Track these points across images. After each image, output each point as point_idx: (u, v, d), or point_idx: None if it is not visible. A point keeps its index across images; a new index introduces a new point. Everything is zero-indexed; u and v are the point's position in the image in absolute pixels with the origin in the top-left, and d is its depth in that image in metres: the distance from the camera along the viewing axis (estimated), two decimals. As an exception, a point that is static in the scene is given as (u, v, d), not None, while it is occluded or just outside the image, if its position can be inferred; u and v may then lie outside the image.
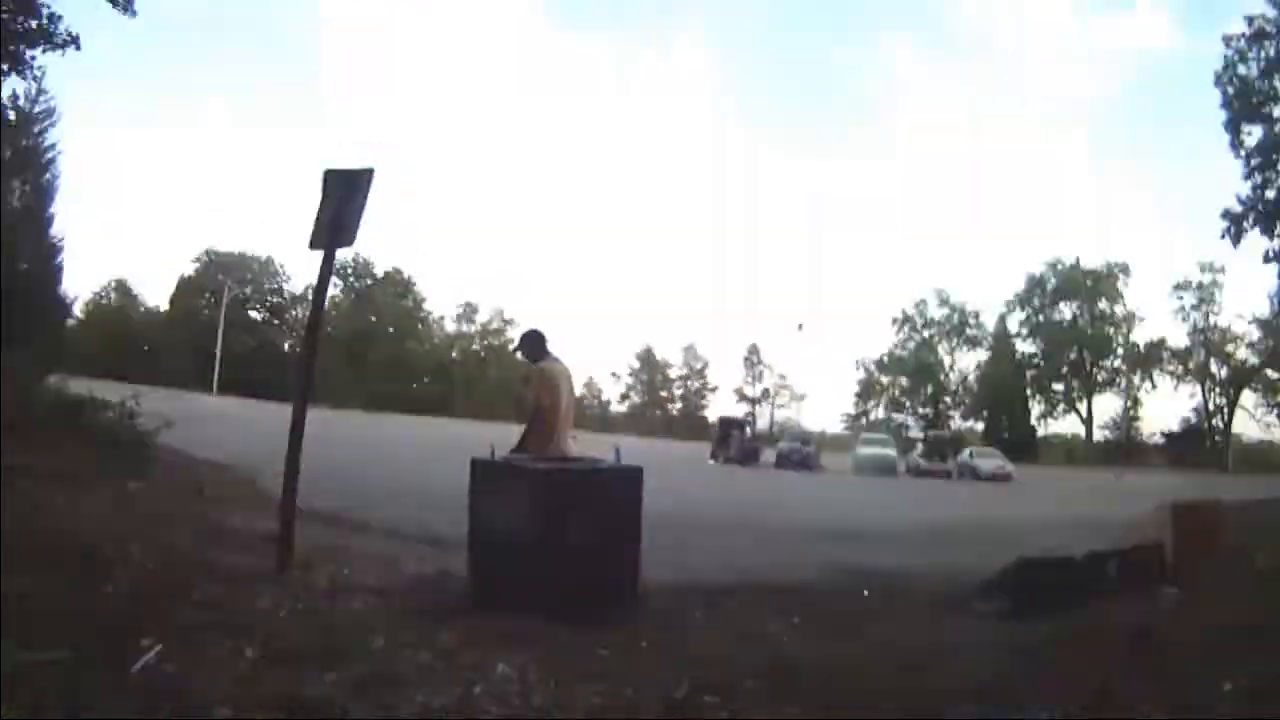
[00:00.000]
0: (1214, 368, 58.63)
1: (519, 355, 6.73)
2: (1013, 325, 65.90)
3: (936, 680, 4.22)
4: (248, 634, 3.77)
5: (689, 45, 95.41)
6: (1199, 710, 3.63)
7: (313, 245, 5.30)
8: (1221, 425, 58.25)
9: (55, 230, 32.75)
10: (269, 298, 74.81)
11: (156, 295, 77.60)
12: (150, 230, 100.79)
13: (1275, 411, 54.17)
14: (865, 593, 6.69)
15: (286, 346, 70.06)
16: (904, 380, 70.03)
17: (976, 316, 68.97)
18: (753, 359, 78.94)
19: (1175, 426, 59.73)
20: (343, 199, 5.24)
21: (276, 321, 73.80)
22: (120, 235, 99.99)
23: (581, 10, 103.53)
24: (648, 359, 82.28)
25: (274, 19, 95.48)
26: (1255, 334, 55.27)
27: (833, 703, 3.84)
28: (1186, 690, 3.84)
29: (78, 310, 52.56)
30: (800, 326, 57.05)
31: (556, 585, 4.51)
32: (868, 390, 71.58)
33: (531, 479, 4.89)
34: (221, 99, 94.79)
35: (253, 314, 73.02)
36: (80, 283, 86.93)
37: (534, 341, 6.52)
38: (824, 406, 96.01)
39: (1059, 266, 63.77)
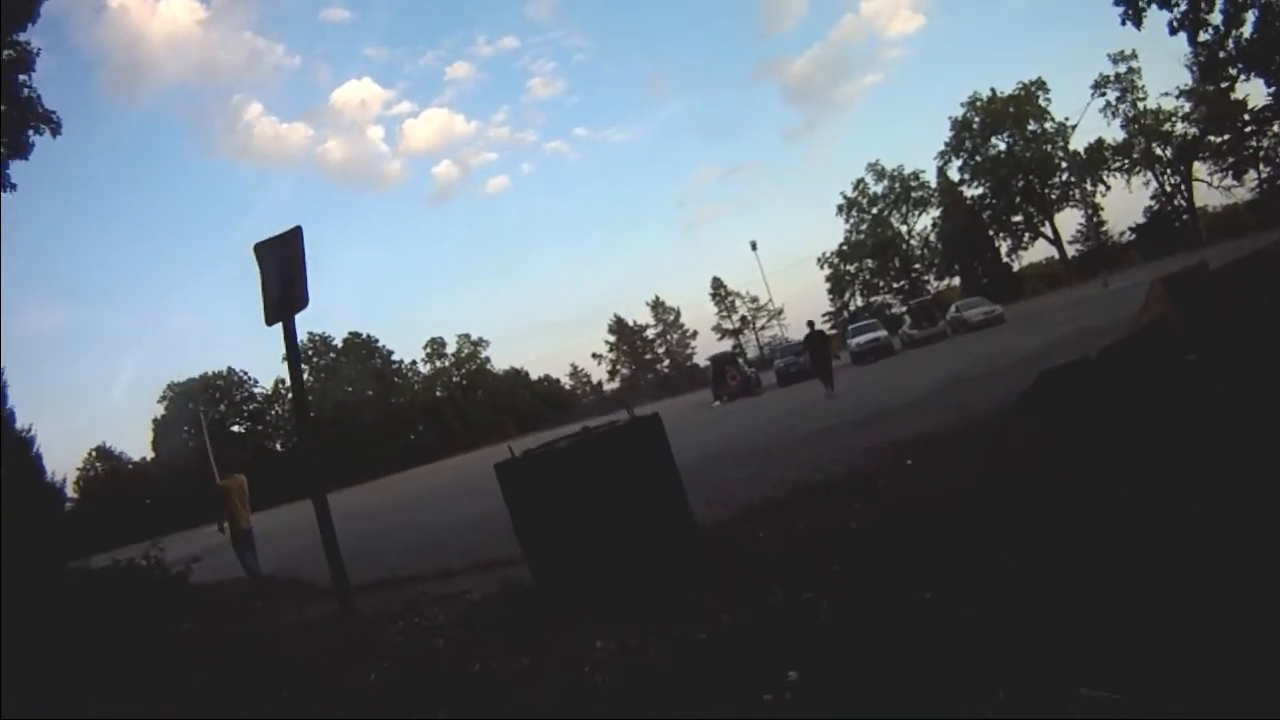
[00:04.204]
0: (1158, 150, 58.88)
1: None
2: (954, 174, 66.20)
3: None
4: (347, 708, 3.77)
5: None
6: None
7: (269, 321, 5.23)
8: (1184, 203, 58.73)
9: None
10: (244, 406, 74.15)
11: (137, 446, 76.85)
12: (103, 385, 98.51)
13: (1230, 173, 54.42)
14: (909, 462, 6.73)
15: (279, 446, 69.67)
16: (870, 262, 70.39)
17: (917, 177, 69.41)
18: (720, 293, 79.21)
19: (1141, 218, 60.22)
20: (281, 266, 5.16)
21: (260, 427, 73.30)
22: (73, 400, 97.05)
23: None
24: (619, 328, 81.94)
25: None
26: (1186, 106, 55.50)
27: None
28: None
29: (70, 491, 51.86)
30: (754, 245, 56.87)
31: (616, 540, 4.51)
32: (839, 284, 71.92)
33: (559, 454, 4.88)
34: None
35: (235, 429, 72.36)
36: (60, 461, 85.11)
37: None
38: (804, 314, 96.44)
39: (978, 103, 64.03)
